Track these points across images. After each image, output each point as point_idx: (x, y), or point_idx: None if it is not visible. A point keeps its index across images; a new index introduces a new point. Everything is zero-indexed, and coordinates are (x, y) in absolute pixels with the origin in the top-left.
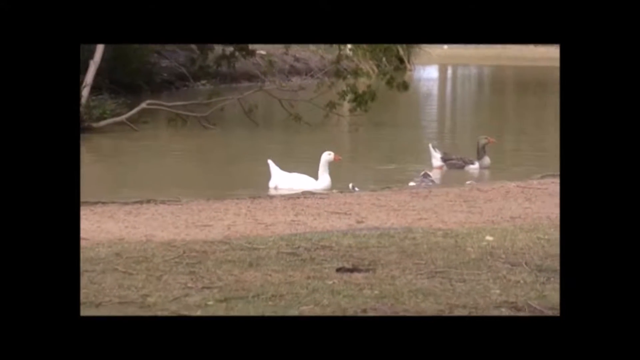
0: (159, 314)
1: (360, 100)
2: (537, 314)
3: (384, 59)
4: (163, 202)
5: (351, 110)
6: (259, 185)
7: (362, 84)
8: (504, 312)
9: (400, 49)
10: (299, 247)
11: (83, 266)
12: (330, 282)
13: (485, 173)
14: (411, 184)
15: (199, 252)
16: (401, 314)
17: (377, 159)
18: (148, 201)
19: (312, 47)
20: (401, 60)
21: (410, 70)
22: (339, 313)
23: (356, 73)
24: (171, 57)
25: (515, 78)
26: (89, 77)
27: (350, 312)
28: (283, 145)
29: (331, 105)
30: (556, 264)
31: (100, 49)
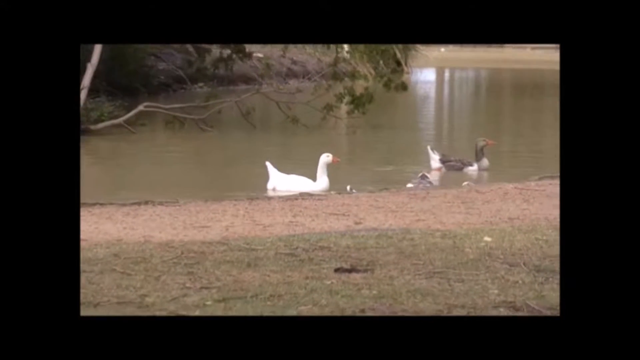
0: (158, 314)
1: (358, 102)
2: (536, 314)
3: (381, 62)
4: (161, 204)
5: (349, 113)
6: (256, 187)
7: (359, 86)
8: (503, 312)
9: (398, 51)
10: (297, 247)
11: (81, 267)
12: (329, 282)
13: (484, 175)
14: (409, 185)
15: (197, 252)
16: (399, 314)
17: (375, 161)
18: (146, 202)
19: (309, 49)
20: (398, 63)
21: (408, 72)
22: (337, 313)
23: (353, 75)
24: (168, 59)
25: (513, 81)
26: (87, 80)
27: (348, 312)
28: (281, 148)
29: (329, 107)
30: (554, 264)
31: (97, 51)
